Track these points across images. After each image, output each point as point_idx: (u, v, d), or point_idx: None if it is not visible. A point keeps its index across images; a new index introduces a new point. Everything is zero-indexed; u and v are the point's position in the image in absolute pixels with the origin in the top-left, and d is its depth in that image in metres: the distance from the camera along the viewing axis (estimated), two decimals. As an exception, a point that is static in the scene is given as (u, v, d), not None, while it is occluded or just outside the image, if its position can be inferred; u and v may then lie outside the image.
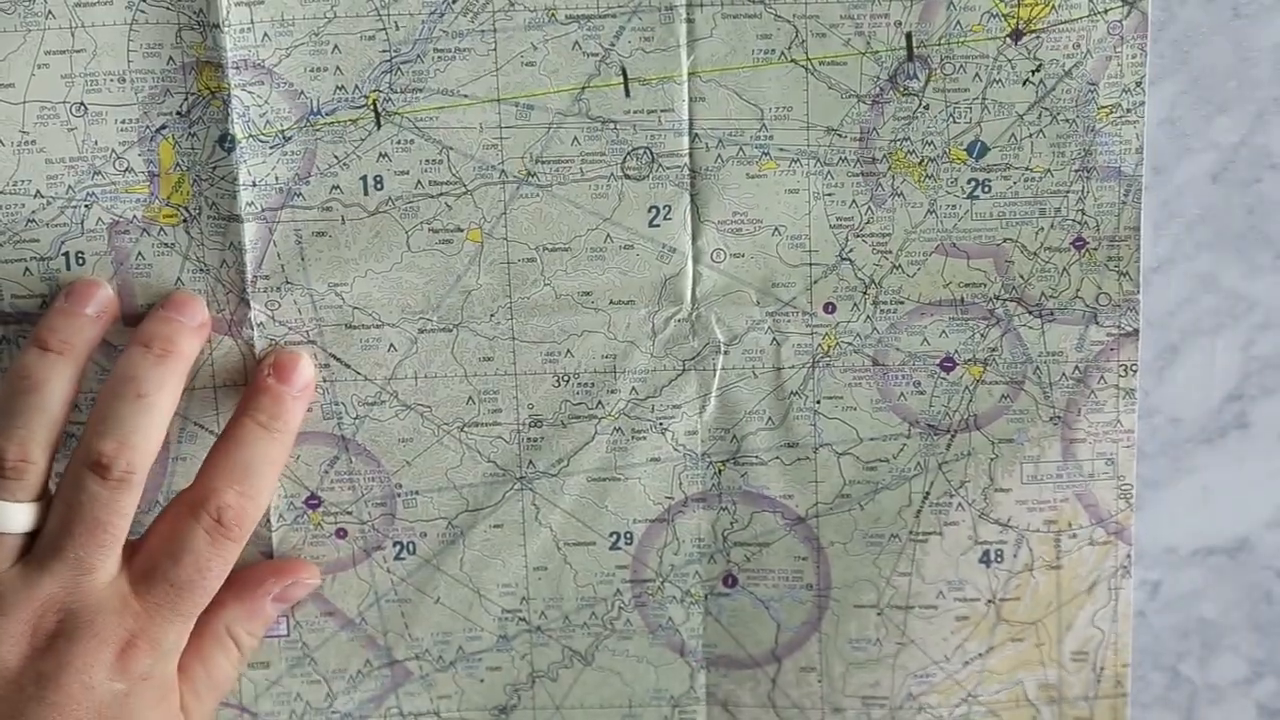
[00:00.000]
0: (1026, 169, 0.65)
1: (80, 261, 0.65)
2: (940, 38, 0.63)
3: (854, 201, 0.66)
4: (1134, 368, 0.67)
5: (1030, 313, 0.66)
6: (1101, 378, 0.67)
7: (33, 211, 0.65)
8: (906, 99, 0.64)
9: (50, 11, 0.63)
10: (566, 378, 0.67)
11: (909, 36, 0.63)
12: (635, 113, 0.65)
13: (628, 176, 0.65)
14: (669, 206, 0.66)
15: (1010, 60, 0.64)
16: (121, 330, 0.66)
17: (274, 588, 0.68)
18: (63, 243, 0.65)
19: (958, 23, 0.63)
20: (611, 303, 0.67)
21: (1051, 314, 0.66)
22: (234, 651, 0.68)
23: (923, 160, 0.65)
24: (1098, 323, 0.66)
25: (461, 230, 0.66)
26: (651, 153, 0.65)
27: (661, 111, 0.65)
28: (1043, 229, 0.65)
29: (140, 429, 0.63)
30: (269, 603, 0.68)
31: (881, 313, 0.67)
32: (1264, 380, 0.70)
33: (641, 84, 0.64)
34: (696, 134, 0.65)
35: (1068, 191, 0.65)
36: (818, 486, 0.69)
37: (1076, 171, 0.65)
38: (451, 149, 0.65)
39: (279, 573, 0.69)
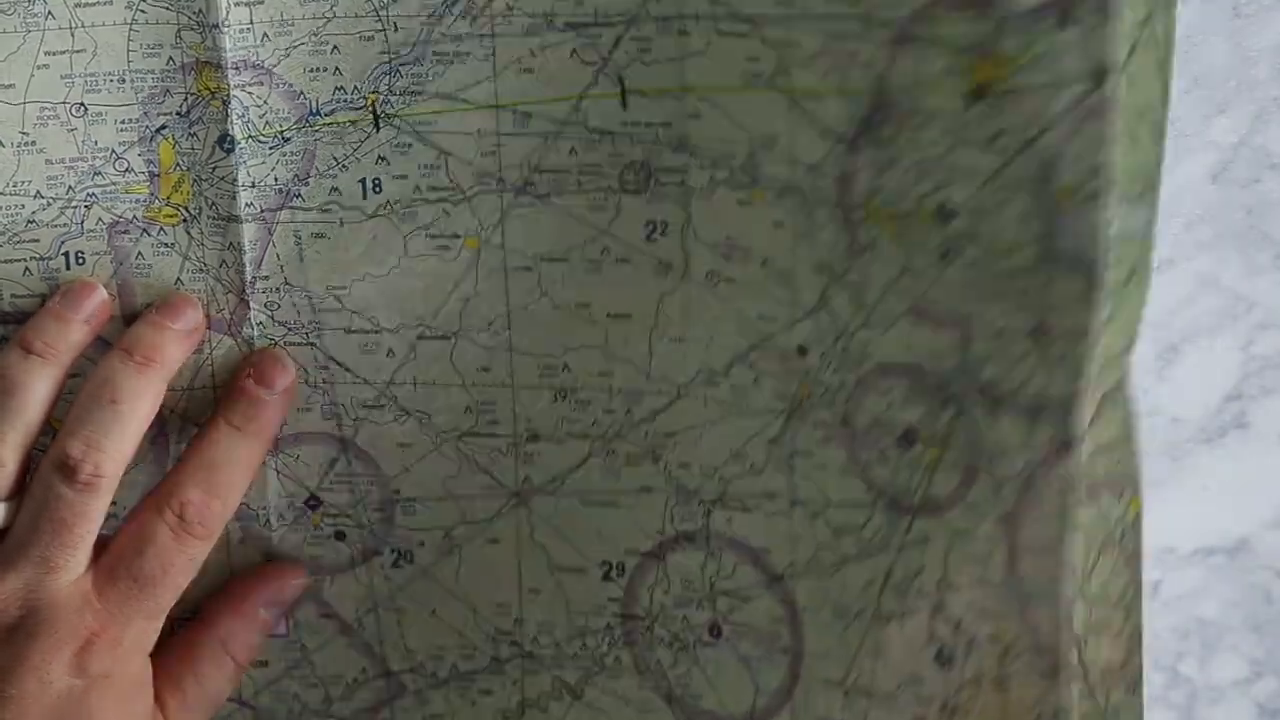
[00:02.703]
0: (992, 242, 0.58)
1: (80, 261, 0.65)
2: (906, 86, 0.58)
3: (834, 246, 0.61)
4: (1073, 484, 0.57)
5: (983, 396, 0.59)
6: (1045, 488, 0.58)
7: (33, 212, 0.65)
8: (879, 148, 0.59)
9: (50, 12, 0.63)
10: (564, 393, 0.67)
11: (879, 80, 0.59)
12: (633, 125, 0.63)
13: (625, 190, 0.64)
14: (665, 223, 0.64)
15: (973, 121, 0.57)
16: (120, 330, 0.66)
17: (264, 593, 0.68)
18: (63, 243, 0.65)
19: (924, 73, 0.58)
20: (608, 316, 0.65)
21: (1002, 403, 0.59)
22: (229, 665, 0.68)
23: (895, 215, 0.60)
24: (1041, 422, 0.58)
25: (459, 237, 0.65)
26: (649, 167, 0.64)
27: (659, 125, 0.63)
28: (1007, 309, 0.58)
29: (111, 435, 0.63)
30: (261, 610, 0.68)
31: (849, 366, 0.62)
32: (1264, 380, 0.69)
33: (640, 96, 0.63)
34: (692, 152, 0.63)
35: (1032, 273, 0.57)
36: (794, 545, 0.66)
37: (1038, 253, 0.57)
38: (450, 154, 0.64)
39: (267, 578, 0.69)
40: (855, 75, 0.59)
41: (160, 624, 0.65)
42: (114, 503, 0.64)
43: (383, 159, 0.64)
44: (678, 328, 0.65)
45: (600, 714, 0.70)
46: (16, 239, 0.65)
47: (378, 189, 0.65)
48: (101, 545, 0.64)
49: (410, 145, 0.64)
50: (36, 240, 0.65)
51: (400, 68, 0.63)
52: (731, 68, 0.61)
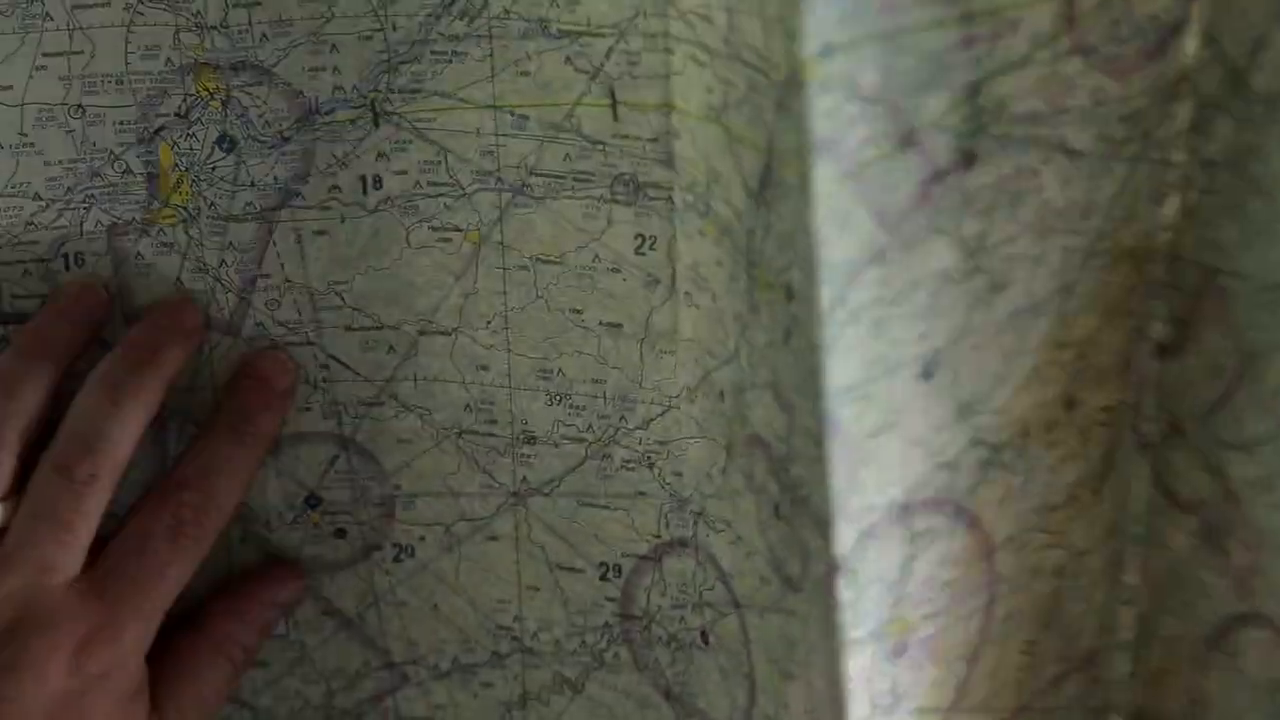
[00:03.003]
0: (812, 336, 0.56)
1: (80, 263, 0.65)
2: (780, 154, 0.55)
3: (744, 299, 0.60)
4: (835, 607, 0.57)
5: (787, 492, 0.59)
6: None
7: (31, 214, 0.65)
8: (767, 212, 0.57)
9: (48, 14, 0.63)
10: (559, 397, 0.67)
11: (770, 139, 0.55)
12: (623, 137, 0.63)
13: (616, 200, 0.64)
14: (654, 237, 0.64)
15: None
16: (120, 331, 0.66)
17: (264, 595, 0.69)
18: (62, 244, 0.65)
19: (786, 145, 0.54)
20: (601, 324, 0.66)
21: (801, 504, 0.58)
22: (227, 667, 0.68)
23: (770, 284, 0.58)
24: (821, 537, 0.57)
25: (461, 230, 0.66)
26: (636, 181, 0.64)
27: (646, 140, 0.63)
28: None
29: (109, 435, 0.63)
30: (260, 612, 0.69)
31: (737, 425, 0.62)
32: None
33: (629, 108, 0.63)
34: (677, 170, 0.63)
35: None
36: (741, 577, 0.65)
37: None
38: (449, 151, 0.65)
39: (265, 580, 0.69)
40: (760, 131, 0.57)
41: (157, 625, 0.65)
42: (113, 503, 0.64)
43: (383, 155, 0.65)
44: (667, 341, 0.65)
45: (601, 708, 0.71)
46: (15, 241, 0.65)
47: (378, 185, 0.65)
48: (99, 546, 0.64)
49: (410, 142, 0.64)
50: (36, 242, 0.65)
51: (399, 66, 0.64)
52: (699, 96, 0.60)
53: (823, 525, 0.56)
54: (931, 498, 0.57)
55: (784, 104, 0.54)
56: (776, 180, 0.55)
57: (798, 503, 0.58)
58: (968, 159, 0.53)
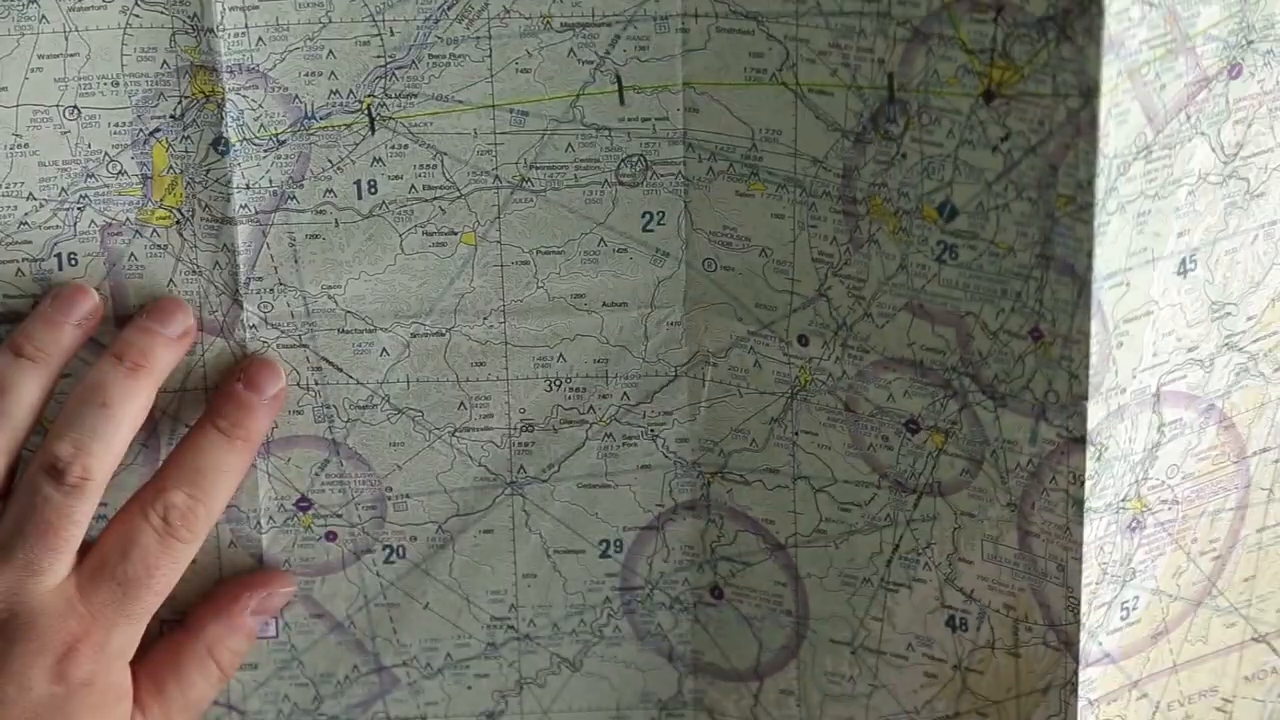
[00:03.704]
0: (992, 243, 0.61)
1: (73, 263, 0.65)
2: (919, 84, 0.61)
3: (835, 239, 0.64)
4: (1081, 478, 0.61)
5: (984, 393, 0.63)
6: (1053, 478, 0.62)
7: (25, 214, 0.65)
8: (886, 143, 0.62)
9: (44, 16, 0.63)
10: (558, 382, 0.68)
11: (890, 77, 0.61)
12: (630, 120, 0.65)
13: (621, 183, 0.66)
14: (663, 212, 0.66)
15: (982, 122, 0.60)
16: (113, 331, 0.66)
17: (251, 601, 0.69)
18: (55, 244, 0.65)
19: (935, 71, 0.60)
20: (604, 305, 0.67)
21: (1004, 400, 0.62)
22: (214, 671, 0.68)
23: (898, 211, 0.62)
24: (1047, 420, 0.62)
25: (455, 233, 0.66)
26: (645, 160, 0.65)
27: (656, 119, 0.65)
28: (1004, 310, 0.61)
29: (101, 437, 0.63)
30: (248, 617, 0.69)
31: (850, 357, 0.65)
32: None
33: (636, 92, 0.64)
34: (690, 144, 0.65)
35: (1029, 276, 0.60)
36: (796, 517, 0.68)
37: (1037, 257, 0.60)
38: (445, 154, 0.65)
39: (255, 586, 0.69)
40: (866, 71, 0.61)
41: (143, 628, 0.65)
42: (104, 504, 0.64)
43: (378, 160, 0.65)
44: (674, 312, 0.67)
45: (601, 681, 0.72)
46: (9, 240, 0.65)
47: (373, 190, 0.65)
48: (86, 550, 0.64)
49: (406, 147, 0.65)
50: (29, 241, 0.65)
51: (396, 71, 0.64)
52: (735, 63, 0.64)
53: (1042, 410, 0.61)
54: (1184, 392, 0.62)
55: (924, 31, 0.60)
56: (915, 109, 0.61)
57: (998, 400, 0.62)
58: (1233, 69, 0.59)
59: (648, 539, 0.70)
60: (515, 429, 0.68)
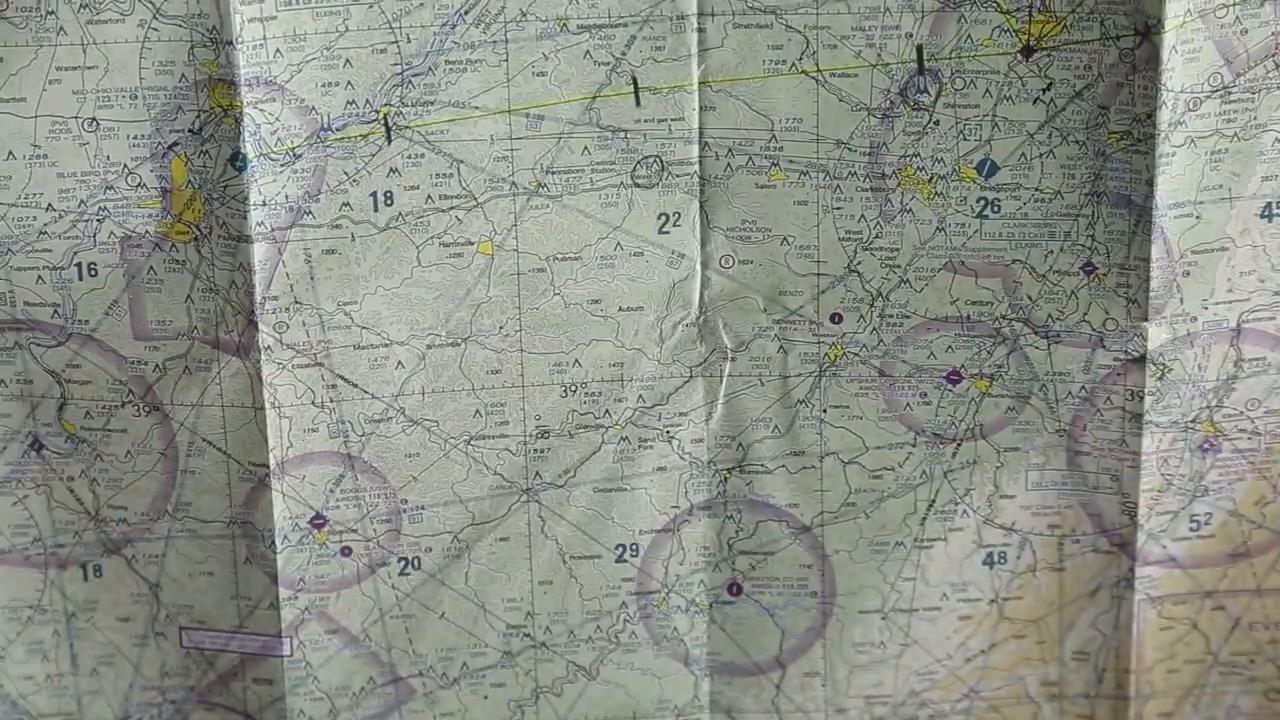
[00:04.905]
0: (1036, 190, 0.65)
1: (93, 273, 0.66)
2: (951, 51, 0.64)
3: (863, 216, 0.66)
4: (1141, 393, 0.66)
5: (1037, 334, 0.66)
6: (1108, 399, 0.67)
7: (44, 224, 0.65)
8: (917, 114, 0.65)
9: (62, 28, 0.63)
10: (574, 388, 0.68)
11: (920, 49, 0.64)
12: (646, 121, 0.66)
13: (637, 185, 0.67)
14: (679, 213, 0.67)
15: (1021, 77, 0.64)
16: (130, 341, 0.66)
17: None
18: (75, 253, 0.65)
19: (969, 36, 0.63)
20: (620, 309, 0.68)
21: (1059, 336, 0.66)
22: None
23: (932, 177, 0.65)
24: (1105, 347, 0.66)
25: (472, 243, 0.67)
26: (661, 161, 0.66)
27: (672, 120, 0.66)
28: (1052, 252, 0.65)
29: None
30: None
31: (888, 325, 0.68)
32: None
33: (652, 93, 0.66)
34: (707, 142, 0.66)
35: (1078, 215, 0.65)
36: (823, 495, 0.70)
37: (1087, 195, 0.64)
38: (462, 162, 0.66)
39: None
40: (892, 48, 0.64)
41: None
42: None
43: (394, 171, 0.66)
44: (691, 312, 0.68)
45: (617, 688, 0.72)
46: (29, 248, 0.65)
47: (389, 201, 0.66)
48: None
49: (423, 156, 0.65)
50: (49, 250, 0.65)
51: (413, 79, 0.65)
52: (752, 57, 0.65)
53: (1100, 339, 0.66)
54: (1272, 333, 0.66)
55: (951, 3, 0.63)
56: (948, 76, 0.64)
57: (1051, 338, 0.66)
58: None
59: (663, 542, 0.70)
60: (531, 435, 0.69)
